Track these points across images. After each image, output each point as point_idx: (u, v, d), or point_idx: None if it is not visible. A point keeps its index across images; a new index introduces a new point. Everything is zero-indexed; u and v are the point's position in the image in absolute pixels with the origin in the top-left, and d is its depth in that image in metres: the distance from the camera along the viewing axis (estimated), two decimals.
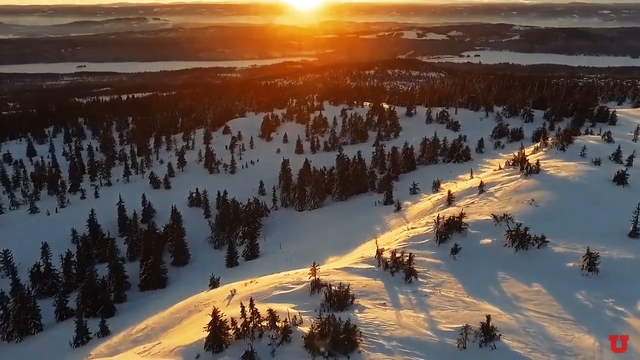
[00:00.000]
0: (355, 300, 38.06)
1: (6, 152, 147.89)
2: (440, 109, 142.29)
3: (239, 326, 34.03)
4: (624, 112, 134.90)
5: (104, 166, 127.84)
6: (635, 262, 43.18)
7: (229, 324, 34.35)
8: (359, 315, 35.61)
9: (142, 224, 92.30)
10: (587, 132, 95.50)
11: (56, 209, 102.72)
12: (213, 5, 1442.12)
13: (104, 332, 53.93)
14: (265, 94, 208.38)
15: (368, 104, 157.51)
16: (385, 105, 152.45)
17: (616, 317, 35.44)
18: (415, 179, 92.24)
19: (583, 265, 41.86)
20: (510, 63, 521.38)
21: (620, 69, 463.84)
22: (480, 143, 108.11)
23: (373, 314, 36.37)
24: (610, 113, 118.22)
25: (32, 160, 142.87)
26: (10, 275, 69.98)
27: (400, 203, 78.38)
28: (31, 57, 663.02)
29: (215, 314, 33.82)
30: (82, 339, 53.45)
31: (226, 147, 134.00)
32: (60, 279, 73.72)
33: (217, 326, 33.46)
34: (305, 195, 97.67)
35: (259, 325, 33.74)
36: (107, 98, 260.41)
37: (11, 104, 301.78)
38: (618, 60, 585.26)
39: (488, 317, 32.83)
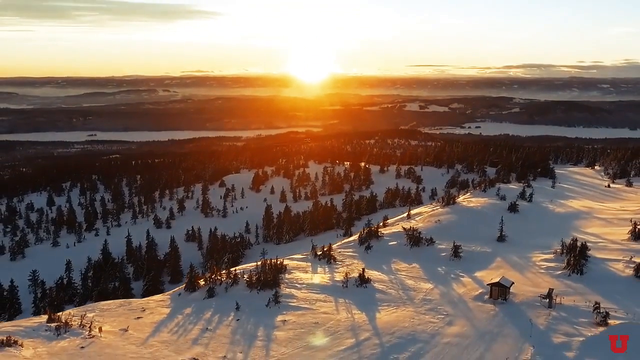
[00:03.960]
0: (287, 270, 56.94)
1: (29, 201, 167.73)
2: (408, 166, 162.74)
3: (206, 277, 53.02)
4: (571, 170, 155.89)
5: (114, 212, 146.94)
6: (488, 253, 62.08)
7: (199, 276, 53.33)
8: (287, 275, 54.48)
9: (146, 254, 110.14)
10: (518, 181, 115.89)
11: (74, 243, 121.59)
12: (221, 78, 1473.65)
13: None
14: (260, 154, 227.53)
15: (348, 162, 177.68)
16: (362, 164, 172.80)
17: (456, 278, 54.02)
18: (373, 217, 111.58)
19: (451, 254, 60.69)
20: (510, 134, 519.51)
21: (616, 140, 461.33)
22: (434, 191, 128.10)
23: (297, 275, 55.25)
24: (551, 169, 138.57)
25: (51, 209, 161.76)
26: (40, 289, 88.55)
27: (353, 232, 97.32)
28: (44, 126, 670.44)
29: (191, 267, 52.79)
30: None
31: (220, 196, 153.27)
32: (78, 290, 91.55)
33: (192, 276, 52.56)
34: (282, 231, 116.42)
35: (219, 277, 52.75)
36: (118, 162, 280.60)
37: (24, 169, 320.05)
38: (616, 132, 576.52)
39: (363, 269, 51.91)
